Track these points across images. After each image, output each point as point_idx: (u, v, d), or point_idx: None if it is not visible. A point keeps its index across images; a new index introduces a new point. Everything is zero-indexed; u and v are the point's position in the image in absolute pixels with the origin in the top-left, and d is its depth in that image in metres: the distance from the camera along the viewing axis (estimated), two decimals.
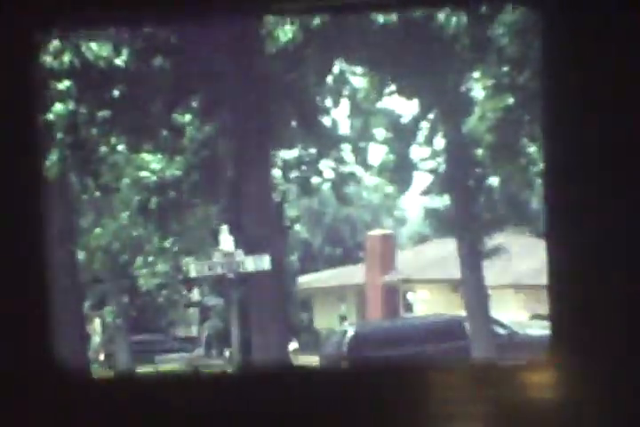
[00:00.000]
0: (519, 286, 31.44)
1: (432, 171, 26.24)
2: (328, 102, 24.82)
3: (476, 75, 23.78)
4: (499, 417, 2.82)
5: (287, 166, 25.05)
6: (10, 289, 2.93)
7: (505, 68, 21.66)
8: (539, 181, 27.13)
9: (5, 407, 2.89)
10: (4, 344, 2.91)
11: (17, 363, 2.92)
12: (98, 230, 29.07)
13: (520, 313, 30.84)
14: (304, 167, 25.05)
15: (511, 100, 21.95)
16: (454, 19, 21.31)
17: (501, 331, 27.00)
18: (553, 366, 2.80)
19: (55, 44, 20.50)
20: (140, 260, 31.34)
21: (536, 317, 31.06)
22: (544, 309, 31.99)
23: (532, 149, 23.81)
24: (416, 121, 25.62)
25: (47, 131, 20.95)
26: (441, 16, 21.46)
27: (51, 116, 20.87)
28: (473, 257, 25.58)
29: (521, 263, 31.37)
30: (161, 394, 2.95)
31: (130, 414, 2.93)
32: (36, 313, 2.96)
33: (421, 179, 27.29)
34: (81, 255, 26.91)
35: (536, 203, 28.06)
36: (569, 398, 2.77)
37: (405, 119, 25.70)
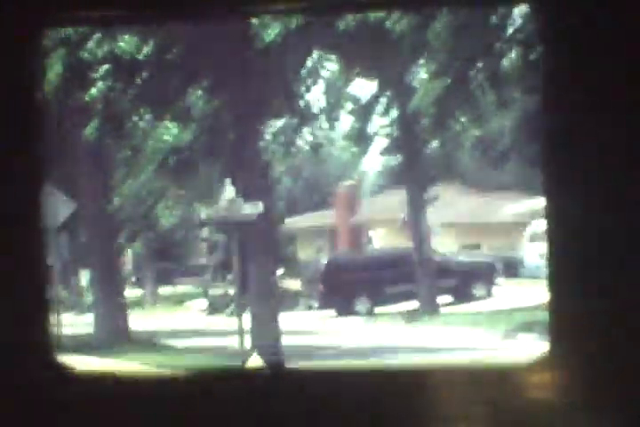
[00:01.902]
0: (451, 224, 31.42)
1: (387, 136, 26.40)
2: (308, 82, 24.57)
3: (421, 62, 23.91)
4: (498, 418, 2.34)
5: (275, 132, 25.07)
6: (9, 289, 2.41)
7: (443, 57, 21.79)
8: (468, 143, 27.47)
9: (5, 407, 2.41)
10: (3, 344, 2.42)
11: (17, 363, 2.42)
12: (129, 181, 29.09)
13: (452, 245, 31.06)
14: (288, 133, 25.09)
15: (448, 81, 22.11)
16: (404, 19, 21.34)
17: (438, 258, 27.09)
18: (553, 366, 2.29)
19: (97, 36, 20.53)
20: (161, 205, 31.37)
21: (464, 247, 31.44)
22: (470, 240, 32.38)
23: (463, 118, 23.96)
24: (375, 97, 25.70)
25: (88, 104, 21.00)
26: (394, 16, 21.48)
27: (94, 91, 20.91)
28: (417, 203, 25.87)
29: (451, 207, 31.77)
30: (161, 393, 2.45)
31: (130, 414, 2.43)
32: (36, 313, 2.44)
33: (379, 142, 27.49)
34: (116, 201, 26.97)
35: (465, 160, 28.10)
36: (568, 399, 2.29)
37: (367, 96, 25.79)
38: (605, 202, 2.29)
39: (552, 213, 2.35)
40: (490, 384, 2.34)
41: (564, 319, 2.32)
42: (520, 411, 2.30)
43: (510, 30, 21.63)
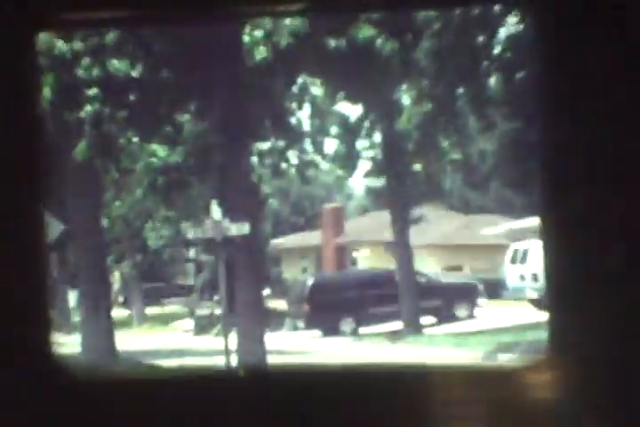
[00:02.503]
0: (434, 245, 31.60)
1: (372, 158, 26.42)
2: (294, 106, 24.64)
3: (404, 87, 23.97)
4: (498, 418, 2.24)
5: (262, 155, 24.98)
6: (9, 289, 2.31)
7: (425, 83, 21.88)
8: (450, 167, 27.55)
9: (5, 407, 2.31)
10: (3, 344, 2.31)
11: (17, 362, 2.32)
12: (117, 203, 28.91)
13: (434, 266, 31.08)
14: (275, 155, 25.07)
15: (430, 107, 22.18)
16: (388, 44, 21.40)
17: (422, 279, 27.08)
18: (553, 366, 2.20)
19: (86, 60, 20.44)
20: (149, 225, 31.33)
21: (446, 268, 31.49)
22: (452, 262, 32.41)
23: (446, 142, 24.07)
24: (360, 121, 25.72)
25: (78, 126, 20.90)
26: (379, 41, 21.54)
27: (82, 114, 20.80)
28: (401, 224, 25.77)
29: (435, 229, 31.77)
30: (161, 394, 2.36)
31: (130, 414, 2.34)
32: (36, 312, 2.34)
33: (364, 165, 27.49)
34: (105, 222, 26.83)
35: (447, 183, 28.22)
36: (568, 399, 2.19)
37: (352, 119, 25.77)
38: (605, 202, 2.20)
39: (550, 214, 2.25)
40: (490, 384, 2.26)
41: (564, 319, 2.22)
42: (520, 411, 2.22)
43: (494, 53, 21.69)
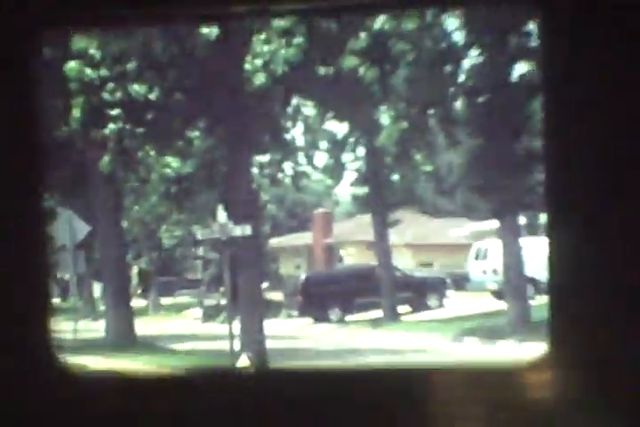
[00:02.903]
0: (409, 244, 31.60)
1: (356, 170, 26.50)
2: (289, 124, 24.63)
3: (384, 108, 24.07)
4: (498, 418, 2.00)
5: (261, 166, 24.99)
6: (9, 289, 2.07)
7: (401, 105, 22.01)
8: (423, 177, 27.63)
9: (5, 407, 2.07)
10: (3, 344, 2.07)
11: (17, 362, 2.07)
12: (136, 208, 28.84)
13: (409, 262, 31.08)
14: (273, 167, 25.07)
15: (405, 125, 22.31)
16: (370, 71, 21.46)
17: (399, 274, 27.08)
18: (553, 366, 1.97)
19: (110, 85, 20.43)
20: (163, 227, 31.26)
21: (420, 264, 31.53)
22: (424, 259, 32.45)
23: (418, 156, 24.17)
24: (346, 137, 25.80)
25: (103, 141, 20.85)
26: (362, 69, 21.61)
27: (107, 132, 20.76)
28: (381, 226, 25.84)
29: (410, 230, 31.71)
30: (161, 394, 2.10)
31: (130, 414, 2.09)
32: (36, 312, 2.08)
33: (349, 175, 27.55)
34: (125, 224, 26.77)
35: (420, 191, 28.24)
36: (568, 399, 1.96)
37: (339, 136, 25.83)
38: (605, 203, 1.96)
39: (552, 214, 2.00)
40: (490, 384, 2.02)
41: (564, 319, 1.98)
42: (520, 411, 1.99)
43: (459, 81, 21.84)
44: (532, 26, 19.39)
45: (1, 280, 2.07)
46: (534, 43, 19.11)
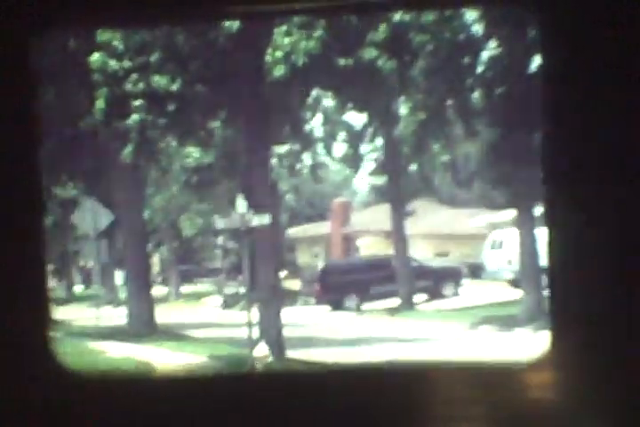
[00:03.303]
0: (426, 235, 31.41)
1: (374, 160, 26.54)
2: (308, 115, 24.66)
3: (402, 99, 24.08)
4: (498, 418, 1.99)
5: (280, 157, 25.02)
6: (9, 288, 2.04)
7: (419, 96, 22.01)
8: (440, 167, 27.64)
9: (5, 407, 2.06)
10: (3, 344, 2.06)
11: (17, 362, 2.06)
12: (157, 197, 28.84)
13: (426, 252, 31.02)
14: (291, 157, 25.10)
15: (423, 116, 22.32)
16: (389, 63, 21.47)
17: (415, 264, 27.02)
18: (553, 365, 1.95)
19: (133, 76, 20.55)
20: (184, 217, 31.36)
21: (437, 254, 31.49)
22: (441, 249, 32.43)
23: (436, 146, 24.13)
24: (364, 128, 25.71)
25: (126, 132, 21.00)
26: (381, 61, 21.61)
27: (130, 122, 20.89)
28: (398, 216, 25.75)
29: (427, 220, 31.65)
30: (161, 394, 2.09)
31: (130, 414, 2.08)
32: (36, 312, 2.07)
33: (367, 165, 27.56)
34: (146, 214, 26.90)
35: (438, 181, 28.21)
36: (568, 399, 1.95)
37: (357, 126, 25.79)
38: (605, 203, 1.94)
39: (551, 214, 1.99)
40: (490, 384, 2.00)
41: (564, 319, 1.97)
42: (520, 411, 1.97)
43: (477, 72, 21.85)
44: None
45: (0, 281, 2.04)
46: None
